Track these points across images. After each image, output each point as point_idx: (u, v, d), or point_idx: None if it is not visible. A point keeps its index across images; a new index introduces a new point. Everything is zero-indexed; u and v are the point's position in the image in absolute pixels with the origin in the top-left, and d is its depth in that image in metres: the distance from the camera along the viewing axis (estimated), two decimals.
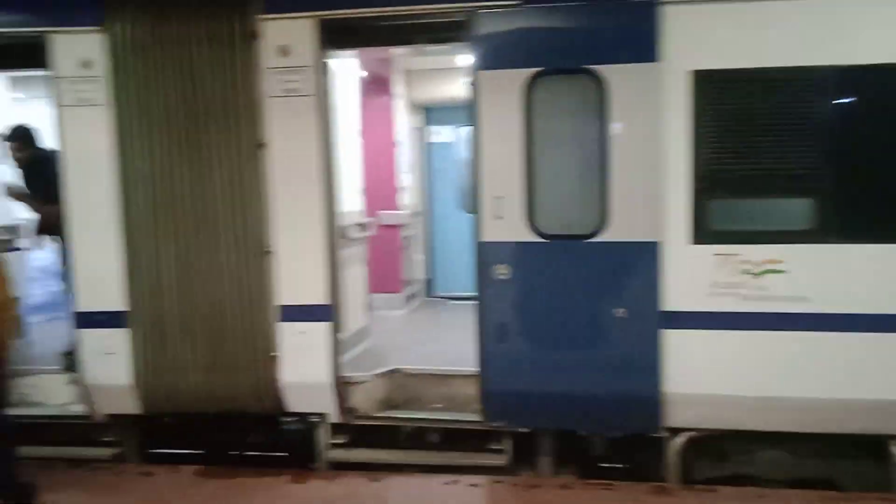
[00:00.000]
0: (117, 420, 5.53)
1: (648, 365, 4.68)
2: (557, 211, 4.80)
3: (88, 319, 5.29)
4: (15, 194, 5.83)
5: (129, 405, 5.35)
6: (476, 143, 4.82)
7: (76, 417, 5.52)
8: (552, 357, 4.86)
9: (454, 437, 5.22)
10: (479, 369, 4.95)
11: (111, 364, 5.26)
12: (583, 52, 4.65)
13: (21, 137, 5.90)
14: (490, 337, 4.89)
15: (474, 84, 4.79)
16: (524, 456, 5.16)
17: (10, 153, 5.92)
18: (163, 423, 5.60)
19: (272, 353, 5.15)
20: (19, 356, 4.97)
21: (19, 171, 5.96)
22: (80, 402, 5.46)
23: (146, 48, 5.03)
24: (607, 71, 4.59)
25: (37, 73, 5.37)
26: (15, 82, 6.61)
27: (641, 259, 4.65)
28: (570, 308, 4.79)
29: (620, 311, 4.69)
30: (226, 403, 5.29)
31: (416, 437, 5.32)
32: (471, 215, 4.97)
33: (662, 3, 4.49)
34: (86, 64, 5.09)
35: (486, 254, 4.83)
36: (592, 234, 4.68)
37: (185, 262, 5.15)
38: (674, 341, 4.66)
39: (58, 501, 4.56)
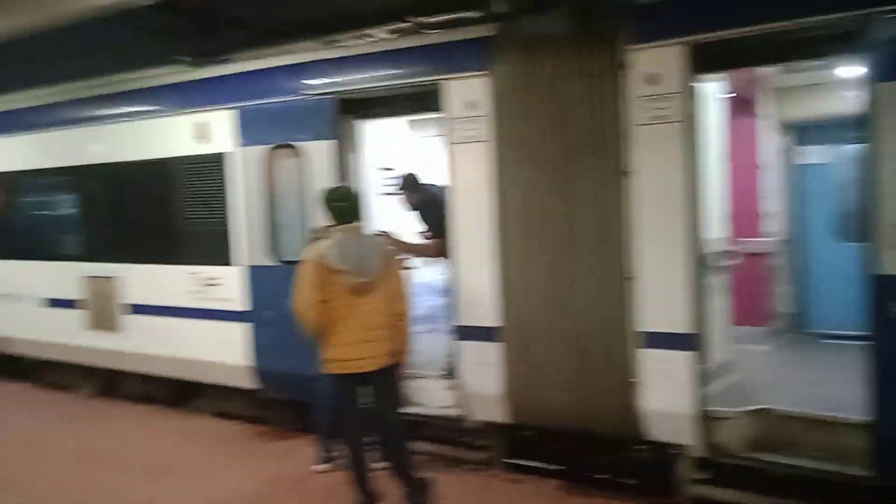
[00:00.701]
0: (487, 426, 5.99)
1: None
2: None
3: (467, 333, 5.86)
4: (401, 247, 6.36)
5: (499, 414, 5.77)
6: (870, 163, 4.30)
7: (451, 420, 6.09)
8: None
9: (833, 491, 4.68)
10: (872, 417, 4.38)
11: (485, 374, 5.74)
12: None
13: (411, 185, 6.79)
14: (890, 382, 4.30)
15: (869, 97, 4.30)
16: None
17: (404, 199, 6.85)
18: (521, 435, 5.92)
19: (631, 379, 5.17)
20: (410, 361, 5.71)
21: (414, 213, 6.86)
22: (456, 406, 6.03)
23: (524, 86, 5.45)
24: None
25: (430, 116, 6.17)
26: (412, 124, 7.70)
27: None
28: None
29: None
30: (583, 423, 5.43)
31: (787, 484, 4.87)
32: (852, 244, 4.45)
33: None
34: (472, 105, 5.69)
35: (885, 289, 4.26)
36: None
37: (551, 284, 5.43)
38: None
39: (442, 496, 5.06)
